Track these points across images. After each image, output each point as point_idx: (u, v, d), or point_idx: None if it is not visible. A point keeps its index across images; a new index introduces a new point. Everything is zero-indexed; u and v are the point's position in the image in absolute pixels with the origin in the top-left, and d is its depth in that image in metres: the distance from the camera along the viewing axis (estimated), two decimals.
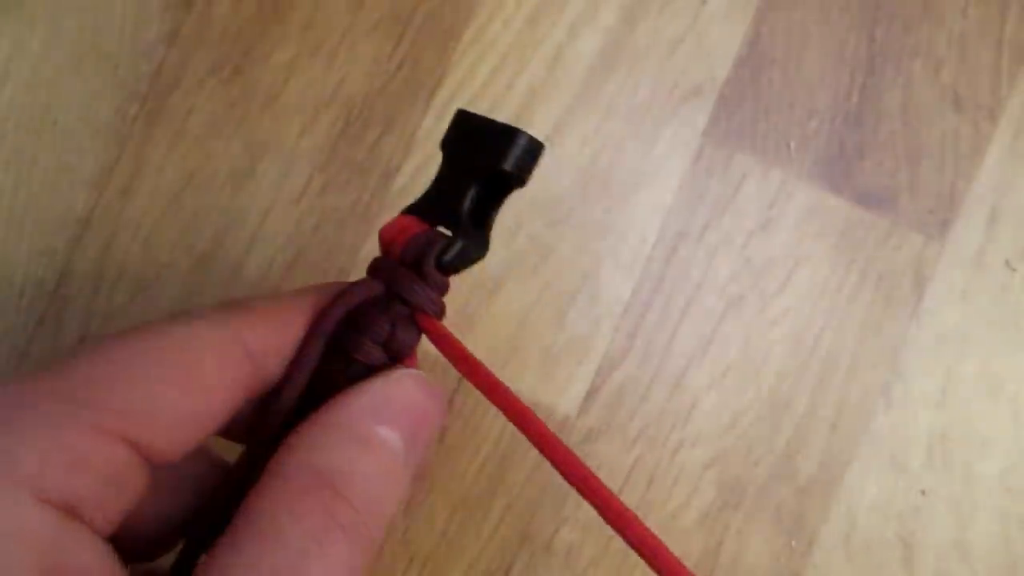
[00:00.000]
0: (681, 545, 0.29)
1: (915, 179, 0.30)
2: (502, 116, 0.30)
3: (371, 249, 0.29)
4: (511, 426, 0.31)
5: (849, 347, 0.29)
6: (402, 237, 0.19)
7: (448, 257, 0.19)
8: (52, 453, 0.15)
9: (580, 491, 0.17)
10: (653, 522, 0.29)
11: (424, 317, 0.19)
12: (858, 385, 0.29)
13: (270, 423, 0.18)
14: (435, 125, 0.30)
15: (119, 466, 0.16)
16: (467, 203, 0.19)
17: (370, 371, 0.19)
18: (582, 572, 0.29)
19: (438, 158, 0.30)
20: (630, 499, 0.29)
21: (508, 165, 0.19)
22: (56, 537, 0.15)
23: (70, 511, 0.16)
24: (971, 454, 0.29)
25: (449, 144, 0.20)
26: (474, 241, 0.19)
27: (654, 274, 0.29)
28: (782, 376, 0.29)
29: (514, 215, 0.29)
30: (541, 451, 0.17)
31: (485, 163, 0.19)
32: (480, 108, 0.30)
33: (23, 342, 0.29)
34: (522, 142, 0.19)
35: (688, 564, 0.29)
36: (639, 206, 0.30)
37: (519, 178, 0.19)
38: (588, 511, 0.29)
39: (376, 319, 0.19)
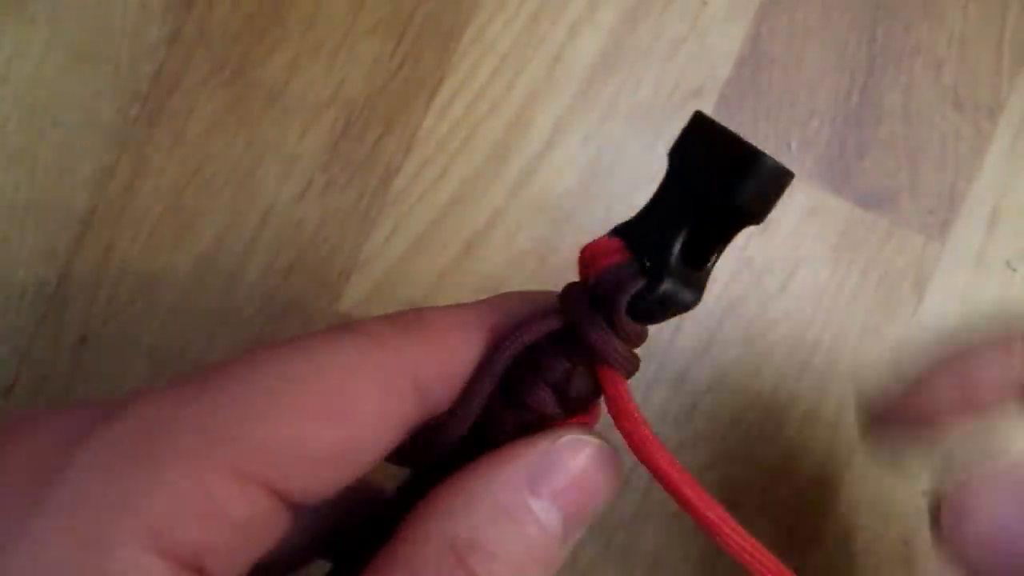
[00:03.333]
0: (682, 545, 0.29)
1: (915, 179, 0.30)
2: (505, 115, 0.30)
3: (372, 250, 0.29)
4: None
5: (850, 347, 0.29)
6: (598, 264, 0.16)
7: (645, 303, 0.15)
8: (185, 498, 0.13)
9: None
10: (653, 524, 0.29)
11: (607, 372, 0.15)
12: (858, 385, 0.29)
13: (429, 459, 0.16)
14: (435, 125, 0.30)
15: (256, 514, 0.14)
16: (679, 238, 0.15)
17: (542, 419, 0.16)
18: (582, 573, 0.29)
19: (438, 158, 0.30)
20: (630, 501, 0.29)
21: (741, 199, 0.15)
22: None
23: (196, 567, 0.13)
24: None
25: (678, 155, 0.16)
26: (683, 285, 0.15)
27: None
28: (782, 376, 0.29)
29: (515, 215, 0.29)
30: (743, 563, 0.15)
31: (714, 193, 0.15)
32: (480, 109, 0.30)
33: (24, 342, 0.29)
34: (764, 171, 0.15)
35: (688, 565, 0.29)
36: (640, 206, 0.30)
37: (753, 215, 0.15)
38: None
39: (551, 360, 0.15)
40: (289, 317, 0.29)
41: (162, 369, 0.29)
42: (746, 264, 0.29)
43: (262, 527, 0.14)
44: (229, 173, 0.29)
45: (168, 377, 0.29)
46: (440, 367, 0.16)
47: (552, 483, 0.15)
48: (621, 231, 0.16)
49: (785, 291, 0.30)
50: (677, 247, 0.15)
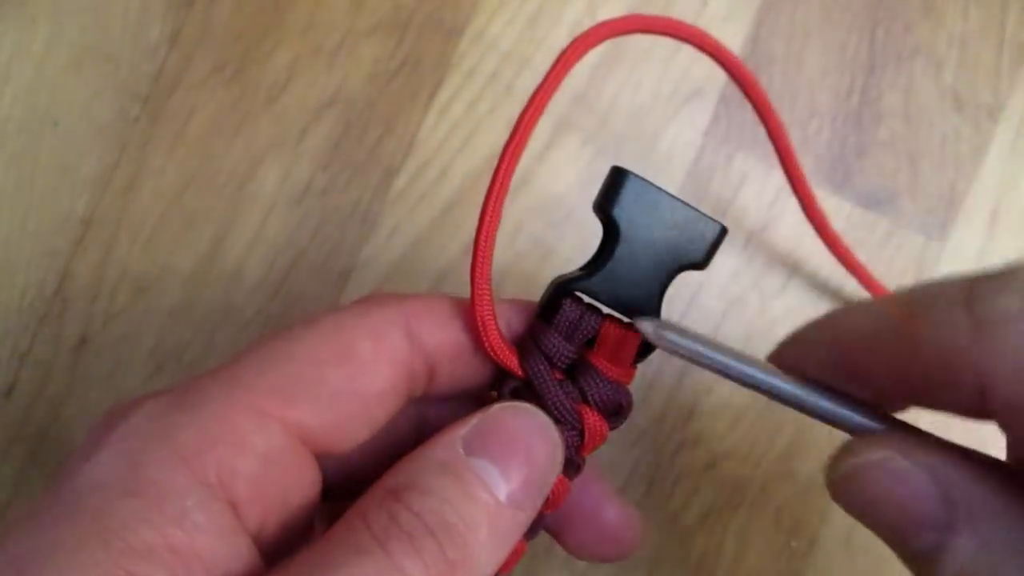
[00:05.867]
0: (682, 545, 0.29)
1: (915, 179, 0.30)
2: (505, 116, 0.30)
3: (372, 250, 0.29)
4: None
5: None
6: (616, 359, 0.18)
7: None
8: (211, 431, 0.16)
9: None
10: (654, 523, 0.29)
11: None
12: None
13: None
14: (435, 126, 0.30)
15: (277, 448, 0.16)
16: (662, 299, 0.18)
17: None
18: (582, 573, 0.29)
19: (438, 159, 0.30)
20: (631, 499, 0.29)
21: (707, 261, 0.18)
22: (194, 515, 0.15)
23: (228, 496, 0.15)
24: None
25: (620, 215, 0.18)
26: None
27: None
28: None
29: (515, 215, 0.29)
30: None
31: (685, 259, 0.18)
32: (480, 109, 0.30)
33: (25, 342, 0.29)
34: (722, 236, 0.18)
35: (688, 565, 0.29)
36: None
37: (704, 267, 0.18)
38: None
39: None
40: (289, 317, 0.29)
41: (162, 369, 0.29)
42: (746, 264, 0.29)
43: (286, 465, 0.16)
44: (229, 173, 0.30)
45: (168, 378, 0.29)
46: (432, 329, 0.18)
47: (486, 442, 0.16)
48: (583, 287, 0.18)
49: (786, 291, 0.30)
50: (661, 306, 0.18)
